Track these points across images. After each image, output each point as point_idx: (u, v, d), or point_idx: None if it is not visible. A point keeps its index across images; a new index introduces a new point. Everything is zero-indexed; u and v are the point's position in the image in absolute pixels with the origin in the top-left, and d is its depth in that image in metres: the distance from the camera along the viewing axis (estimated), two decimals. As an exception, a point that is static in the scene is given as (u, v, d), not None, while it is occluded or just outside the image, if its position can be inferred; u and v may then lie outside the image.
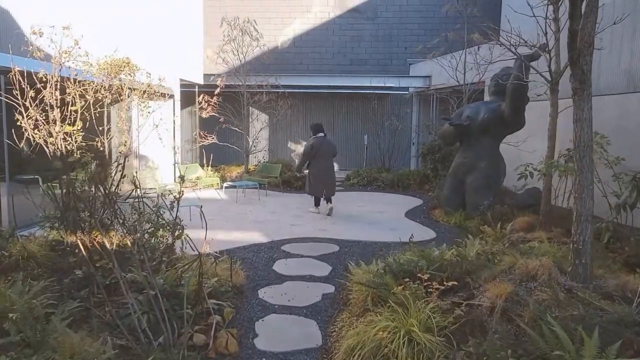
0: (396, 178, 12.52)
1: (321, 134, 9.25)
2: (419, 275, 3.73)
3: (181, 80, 13.29)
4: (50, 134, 3.88)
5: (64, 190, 3.84)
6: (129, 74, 4.46)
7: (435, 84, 14.47)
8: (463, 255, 4.29)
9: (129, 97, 4.58)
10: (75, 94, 3.93)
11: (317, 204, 9.38)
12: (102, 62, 4.28)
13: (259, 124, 15.78)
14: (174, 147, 12.86)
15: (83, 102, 4.02)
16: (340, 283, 5.04)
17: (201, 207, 7.87)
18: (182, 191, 4.90)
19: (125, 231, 3.96)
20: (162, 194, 10.84)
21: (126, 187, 11.25)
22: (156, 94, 10.91)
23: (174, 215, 5.03)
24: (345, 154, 17.41)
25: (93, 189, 3.84)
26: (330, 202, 9.22)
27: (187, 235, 5.06)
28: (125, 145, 4.17)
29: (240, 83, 13.12)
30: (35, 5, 6.50)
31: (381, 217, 8.99)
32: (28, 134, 3.82)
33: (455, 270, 3.91)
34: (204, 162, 14.20)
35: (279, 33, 17.34)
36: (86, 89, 4.03)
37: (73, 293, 3.51)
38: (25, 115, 3.76)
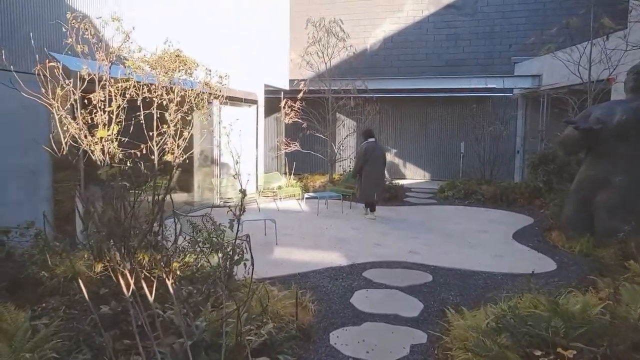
0: (499, 191, 10.89)
1: (372, 140, 9.35)
2: (558, 349, 2.51)
3: (266, 85, 12.90)
4: (95, 140, 3.33)
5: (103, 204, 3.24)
6: (184, 70, 3.82)
7: (546, 83, 12.56)
8: (622, 314, 2.95)
9: (194, 100, 3.92)
10: (116, 94, 3.34)
11: (372, 209, 9.32)
12: (149, 57, 3.69)
13: (344, 131, 14.93)
14: (256, 155, 12.46)
15: (123, 102, 3.40)
16: (435, 335, 3.90)
17: (275, 222, 7.14)
18: (244, 208, 4.13)
19: (163, 257, 3.24)
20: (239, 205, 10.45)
21: (207, 195, 11.06)
22: (236, 99, 10.58)
23: (235, 236, 4.28)
24: (438, 163, 15.93)
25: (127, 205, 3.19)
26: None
27: (246, 261, 4.28)
28: (172, 154, 3.49)
29: (325, 87, 12.38)
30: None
31: (483, 239, 7.59)
32: (66, 139, 3.29)
33: (616, 342, 2.61)
34: (286, 170, 13.67)
35: (368, 35, 16.42)
36: (126, 87, 3.43)
37: (93, 337, 2.83)
38: (57, 116, 3.23)
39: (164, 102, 3.64)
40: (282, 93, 13.76)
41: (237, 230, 4.23)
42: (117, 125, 3.25)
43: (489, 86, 13.77)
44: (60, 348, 2.65)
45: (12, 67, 3.44)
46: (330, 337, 3.91)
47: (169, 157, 3.45)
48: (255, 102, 12.18)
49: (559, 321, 2.95)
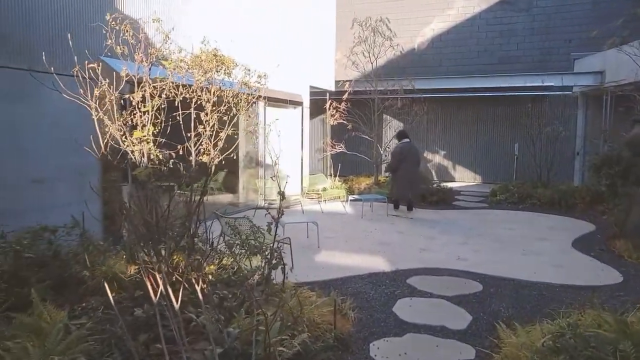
0: (557, 195, 10.21)
1: (407, 140, 9.54)
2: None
3: (311, 87, 12.83)
4: (133, 141, 3.32)
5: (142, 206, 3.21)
6: (222, 70, 3.75)
7: (610, 80, 11.68)
8: None
9: (232, 100, 3.85)
10: (154, 94, 3.31)
11: (409, 208, 9.55)
12: (188, 57, 3.64)
13: (390, 132, 14.60)
14: (301, 157, 12.41)
15: (160, 103, 3.36)
16: (484, 351, 3.60)
17: (317, 224, 7.00)
18: (282, 211, 4.02)
19: (194, 261, 3.17)
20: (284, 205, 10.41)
21: (251, 196, 11.11)
22: (282, 101, 10.58)
23: (273, 239, 4.16)
24: (490, 165, 15.26)
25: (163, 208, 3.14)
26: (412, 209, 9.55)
27: (284, 265, 4.16)
28: (208, 155, 3.42)
29: (371, 88, 12.14)
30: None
31: (539, 246, 7.09)
32: (106, 140, 3.30)
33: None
34: (331, 172, 13.54)
35: (416, 34, 16.01)
36: (163, 88, 3.39)
37: (124, 340, 2.79)
38: (96, 117, 3.24)
39: (202, 102, 3.60)
40: (328, 94, 13.66)
41: (276, 233, 4.13)
42: (153, 126, 3.22)
43: (545, 84, 13.01)
44: (92, 350, 2.62)
45: (52, 68, 3.51)
46: (371, 348, 3.70)
47: (204, 158, 3.38)
48: (300, 103, 12.14)
49: (629, 344, 2.60)
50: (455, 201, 11.49)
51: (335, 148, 12.65)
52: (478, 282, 5.38)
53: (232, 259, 4.16)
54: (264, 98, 10.52)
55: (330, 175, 13.62)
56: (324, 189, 11.39)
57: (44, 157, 5.76)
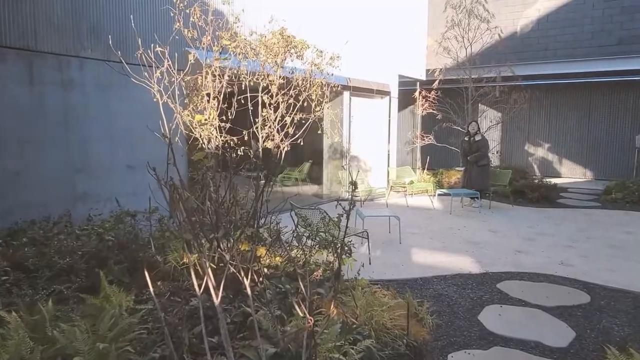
0: (690, 195, 8.66)
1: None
2: None
3: (400, 76, 12.28)
4: (197, 126, 3.23)
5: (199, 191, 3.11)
6: (294, 53, 3.51)
7: None
8: None
9: (302, 83, 3.62)
10: (218, 79, 3.17)
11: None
12: (256, 39, 3.43)
13: (486, 122, 13.52)
14: (388, 149, 11.95)
15: (222, 87, 3.22)
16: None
17: (399, 218, 6.58)
18: (354, 202, 3.71)
19: (248, 252, 2.97)
20: (367, 198, 10.06)
21: (335, 188, 10.92)
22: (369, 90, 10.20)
23: (344, 231, 3.87)
24: (603, 159, 13.51)
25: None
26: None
27: (354, 260, 3.85)
28: (272, 140, 3.19)
29: (465, 76, 11.26)
30: None
31: (665, 254, 5.99)
32: (172, 125, 3.24)
33: None
34: (419, 165, 12.89)
35: (518, 15, 14.62)
36: (229, 74, 3.23)
37: (179, 330, 2.67)
38: (161, 102, 3.17)
39: (270, 86, 3.41)
40: (418, 84, 12.99)
41: (347, 226, 3.83)
42: (214, 110, 3.08)
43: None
44: (146, 339, 2.55)
45: (119, 52, 3.54)
46: (448, 361, 3.26)
47: (269, 144, 3.18)
48: (387, 93, 11.67)
49: None
50: (560, 198, 10.28)
51: (424, 140, 11.99)
52: (585, 292, 4.61)
53: (300, 252, 3.95)
54: (349, 88, 10.27)
55: (419, 168, 12.99)
56: (411, 182, 10.84)
57: (135, 145, 6.04)
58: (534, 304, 4.29)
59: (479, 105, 13.37)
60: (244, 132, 3.37)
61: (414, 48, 12.82)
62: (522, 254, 5.97)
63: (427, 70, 12.88)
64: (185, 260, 3.59)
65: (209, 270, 2.05)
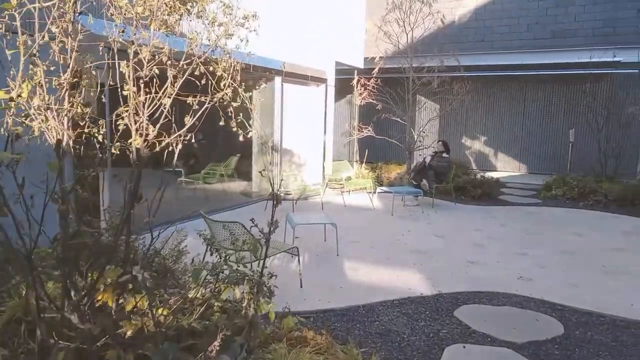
0: (630, 192, 8.48)
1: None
2: None
3: (337, 63, 11.33)
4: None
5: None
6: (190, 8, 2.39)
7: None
8: None
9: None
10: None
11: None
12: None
13: (426, 114, 12.97)
14: (324, 141, 10.99)
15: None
16: None
17: (336, 226, 5.60)
18: (277, 222, 2.65)
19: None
20: (300, 196, 9.04)
21: (266, 185, 9.78)
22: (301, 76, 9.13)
23: (261, 266, 2.80)
24: (538, 153, 13.46)
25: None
26: None
27: (270, 306, 2.80)
28: (142, 137, 2.05)
29: (405, 64, 10.50)
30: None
31: (622, 261, 5.50)
32: None
33: None
34: (357, 159, 12.08)
35: (457, 5, 14.20)
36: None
37: None
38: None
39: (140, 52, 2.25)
40: (356, 72, 12.11)
41: (264, 262, 2.77)
42: (29, 83, 1.88)
43: (611, 60, 11.08)
44: None
45: None
46: None
47: (137, 142, 2.03)
48: (324, 80, 10.68)
49: None
50: (500, 194, 9.88)
51: (362, 132, 11.15)
52: (555, 318, 3.88)
53: (200, 291, 2.81)
54: (281, 73, 9.15)
55: (357, 161, 12.17)
56: (348, 179, 9.96)
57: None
58: (502, 340, 3.46)
59: (418, 96, 12.77)
60: (100, 122, 2.17)
61: (352, 33, 11.92)
62: (475, 266, 5.22)
63: (366, 59, 12.04)
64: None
65: None
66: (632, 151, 10.89)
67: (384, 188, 9.28)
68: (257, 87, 9.35)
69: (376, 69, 10.36)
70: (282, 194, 8.98)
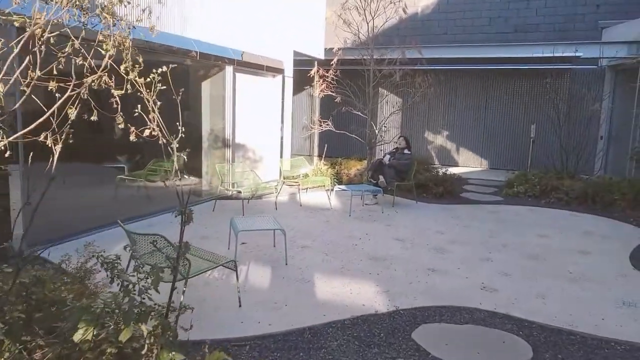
0: (590, 189, 8.33)
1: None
2: None
3: (296, 53, 10.74)
4: None
5: None
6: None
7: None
8: None
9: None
10: None
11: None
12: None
13: (388, 108, 12.57)
14: (281, 136, 10.40)
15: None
16: None
17: (285, 232, 5.04)
18: (187, 244, 2.07)
19: None
20: (254, 195, 8.43)
21: (217, 182, 9.09)
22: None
23: (167, 301, 2.21)
24: (500, 149, 13.33)
25: None
26: None
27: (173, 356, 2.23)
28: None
29: (366, 56, 10.01)
30: None
31: (588, 265, 5.22)
32: None
33: None
34: (317, 153, 11.55)
35: (420, -5, 13.84)
36: None
37: None
38: None
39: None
40: (316, 63, 11.54)
41: (173, 283, 2.19)
42: None
43: (566, 55, 10.96)
44: None
45: None
46: None
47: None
48: (281, 71, 10.07)
49: None
50: (462, 192, 9.59)
51: (322, 126, 10.62)
52: (523, 337, 3.48)
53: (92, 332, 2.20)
54: (233, 62, 8.47)
55: (317, 156, 11.64)
56: (305, 176, 9.43)
57: None
58: (466, 369, 3.03)
59: (380, 89, 12.35)
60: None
61: (312, 22, 11.34)
62: (436, 274, 4.79)
63: (327, 49, 11.49)
64: None
65: None
66: (591, 148, 10.85)
67: (342, 187, 8.78)
68: (206, 77, 8.65)
69: (335, 59, 9.82)
70: (233, 193, 8.35)
